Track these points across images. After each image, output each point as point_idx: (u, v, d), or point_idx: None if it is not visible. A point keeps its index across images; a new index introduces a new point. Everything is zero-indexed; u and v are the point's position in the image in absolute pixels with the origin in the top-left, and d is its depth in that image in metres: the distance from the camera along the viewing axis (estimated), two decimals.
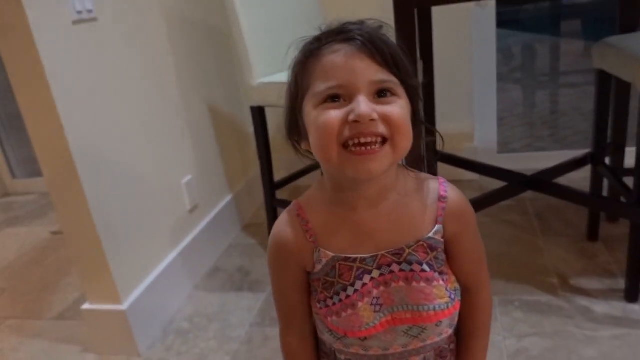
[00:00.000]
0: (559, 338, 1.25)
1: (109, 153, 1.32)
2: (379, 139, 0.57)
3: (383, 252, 0.63)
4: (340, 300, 0.64)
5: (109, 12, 1.33)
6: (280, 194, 1.81)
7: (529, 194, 1.82)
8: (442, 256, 0.65)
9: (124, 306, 1.33)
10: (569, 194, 1.44)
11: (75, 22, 1.21)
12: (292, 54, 0.63)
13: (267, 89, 1.54)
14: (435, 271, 0.63)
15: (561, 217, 1.82)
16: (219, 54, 1.96)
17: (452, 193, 0.66)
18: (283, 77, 1.55)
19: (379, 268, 0.63)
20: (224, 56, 1.99)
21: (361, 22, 0.60)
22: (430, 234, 0.63)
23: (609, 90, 1.49)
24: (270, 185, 1.71)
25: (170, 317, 1.52)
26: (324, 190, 0.66)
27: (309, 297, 0.69)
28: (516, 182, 1.49)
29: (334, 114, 0.57)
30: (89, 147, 1.25)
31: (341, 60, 0.57)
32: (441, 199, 0.65)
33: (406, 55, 0.60)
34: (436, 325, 0.64)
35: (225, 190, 1.96)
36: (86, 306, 1.36)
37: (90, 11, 1.25)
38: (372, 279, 0.63)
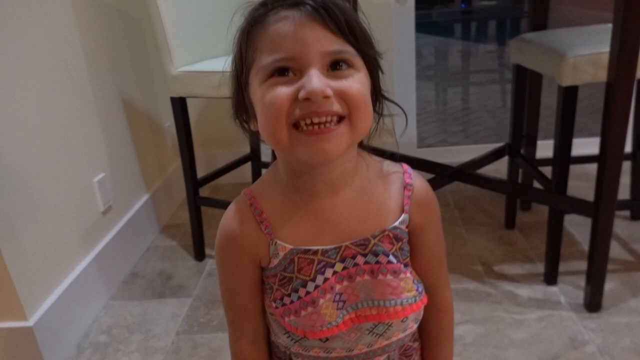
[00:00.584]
0: (490, 323, 1.29)
1: (6, 149, 1.15)
2: (335, 118, 0.51)
3: (347, 243, 0.58)
4: (299, 298, 0.58)
5: None
6: (201, 192, 1.71)
7: (448, 187, 1.88)
8: (407, 247, 0.61)
9: (30, 322, 1.17)
10: (496, 185, 1.50)
11: None
12: (238, 22, 0.55)
13: (189, 78, 1.44)
14: (401, 263, 0.59)
15: (480, 207, 1.90)
16: (131, 41, 1.81)
17: (418, 181, 0.62)
18: (207, 65, 1.48)
19: (342, 261, 0.58)
20: (137, 44, 1.85)
21: None
22: (396, 224, 0.59)
23: (525, 85, 1.57)
24: (193, 182, 1.60)
25: (85, 331, 1.37)
26: (279, 177, 0.60)
27: (262, 297, 0.62)
28: (443, 174, 1.52)
29: (282, 91, 0.50)
30: None
31: (289, 29, 0.50)
32: (407, 186, 0.61)
33: (363, 21, 0.55)
34: (402, 321, 0.59)
35: (141, 189, 1.81)
36: None
37: None
38: (334, 272, 0.58)
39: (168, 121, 2.01)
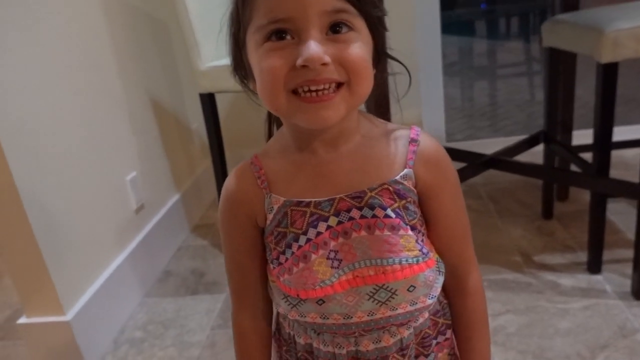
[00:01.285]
0: (533, 313, 1.24)
1: (44, 149, 1.17)
2: (333, 85, 0.49)
3: (341, 195, 0.55)
4: (292, 254, 0.55)
5: None
6: None
7: (480, 179, 1.84)
8: (415, 209, 0.56)
9: (67, 317, 1.18)
10: (534, 170, 1.46)
11: None
12: None
13: (218, 73, 1.44)
14: (403, 220, 0.55)
15: (514, 198, 1.85)
16: (159, 43, 1.83)
17: (426, 138, 0.58)
18: None
19: (336, 215, 0.55)
20: (164, 46, 1.87)
21: None
22: (397, 177, 0.55)
23: (559, 68, 1.53)
24: (224, 179, 1.59)
25: (121, 326, 1.37)
26: (283, 137, 0.59)
27: (262, 264, 0.60)
28: (476, 163, 1.48)
29: (279, 60, 0.48)
30: (21, 145, 1.10)
31: None
32: (412, 141, 0.57)
33: None
34: (408, 290, 0.54)
35: (171, 189, 1.82)
36: (23, 320, 1.19)
37: None
38: (328, 227, 0.55)
39: (195, 122, 2.03)
